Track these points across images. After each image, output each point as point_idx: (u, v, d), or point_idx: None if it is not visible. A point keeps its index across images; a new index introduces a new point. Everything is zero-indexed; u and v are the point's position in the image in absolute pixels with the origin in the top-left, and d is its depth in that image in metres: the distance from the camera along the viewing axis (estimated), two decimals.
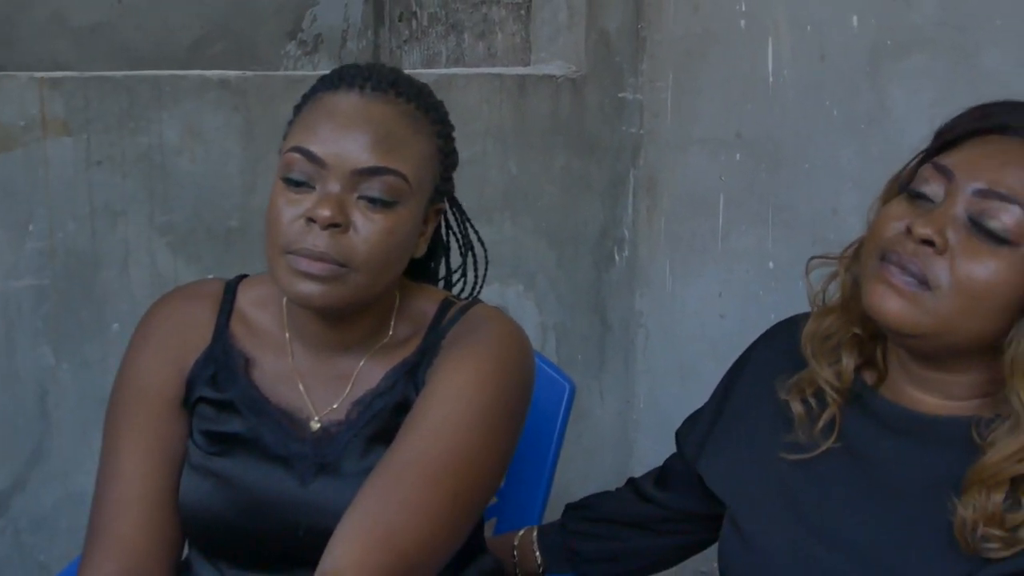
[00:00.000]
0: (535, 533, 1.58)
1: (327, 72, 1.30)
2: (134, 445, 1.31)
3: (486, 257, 1.50)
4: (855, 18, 1.89)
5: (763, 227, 2.12)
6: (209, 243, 1.99)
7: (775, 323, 1.44)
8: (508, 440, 1.28)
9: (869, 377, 1.28)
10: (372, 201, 1.20)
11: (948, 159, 1.17)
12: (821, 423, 1.26)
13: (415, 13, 3.28)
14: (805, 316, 1.33)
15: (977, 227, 1.12)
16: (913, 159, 1.24)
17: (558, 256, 2.33)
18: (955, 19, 1.74)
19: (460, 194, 2.16)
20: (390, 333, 1.33)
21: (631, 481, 1.56)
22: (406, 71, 1.36)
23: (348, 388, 1.32)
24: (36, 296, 1.88)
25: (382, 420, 1.29)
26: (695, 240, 2.27)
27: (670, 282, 2.34)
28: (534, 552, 1.57)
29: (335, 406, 1.31)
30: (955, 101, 1.70)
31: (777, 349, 1.37)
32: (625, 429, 2.48)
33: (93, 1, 3.11)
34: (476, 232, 1.47)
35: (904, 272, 1.14)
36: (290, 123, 1.29)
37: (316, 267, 1.19)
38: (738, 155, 2.15)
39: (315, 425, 1.31)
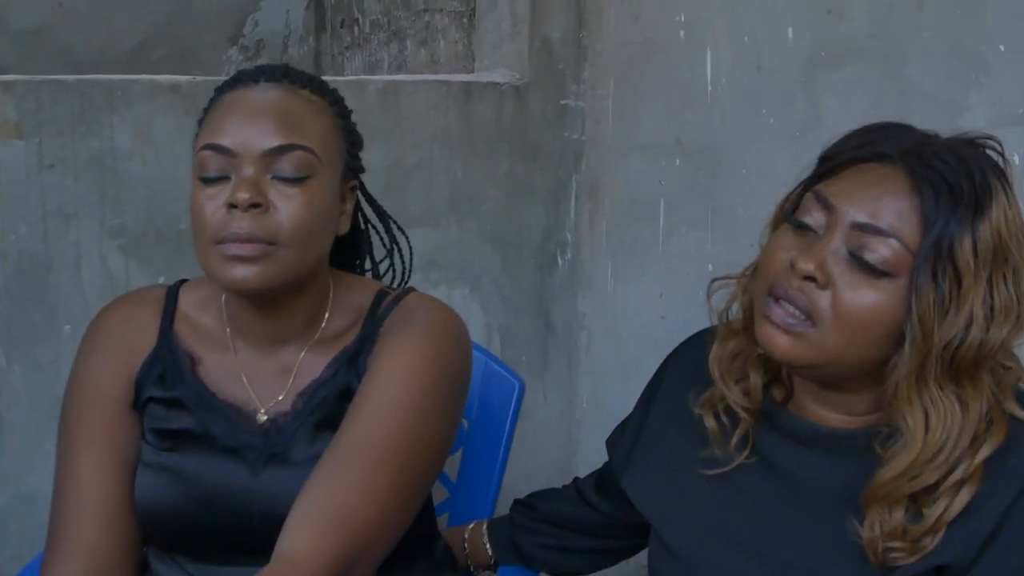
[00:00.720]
0: (485, 526, 1.63)
1: (227, 79, 1.37)
2: (88, 449, 1.35)
3: (409, 244, 1.56)
4: (790, 31, 1.95)
5: (703, 230, 2.17)
6: (160, 246, 2.00)
7: (683, 339, 1.48)
8: (448, 421, 1.35)
9: (777, 393, 1.33)
10: (286, 179, 1.27)
11: (830, 188, 1.21)
12: (735, 439, 1.31)
13: (357, 20, 3.30)
14: (711, 331, 1.37)
15: (856, 260, 1.17)
16: (798, 185, 1.29)
17: (503, 259, 2.38)
18: (885, 33, 1.81)
19: (408, 198, 2.22)
20: (324, 322, 1.39)
21: (575, 481, 1.62)
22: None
23: (291, 380, 1.37)
24: None
25: (326, 408, 1.34)
26: (636, 243, 2.33)
27: (612, 284, 2.39)
28: (484, 544, 1.62)
29: (280, 398, 1.37)
30: (885, 110, 1.79)
31: (689, 365, 1.42)
32: (568, 428, 2.53)
33: (34, 4, 3.10)
34: (395, 222, 1.53)
35: (791, 305, 1.19)
36: (196, 134, 1.35)
37: (246, 248, 1.25)
38: (678, 161, 2.21)
39: (262, 417, 1.36)
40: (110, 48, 3.22)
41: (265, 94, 1.31)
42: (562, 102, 2.40)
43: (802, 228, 1.22)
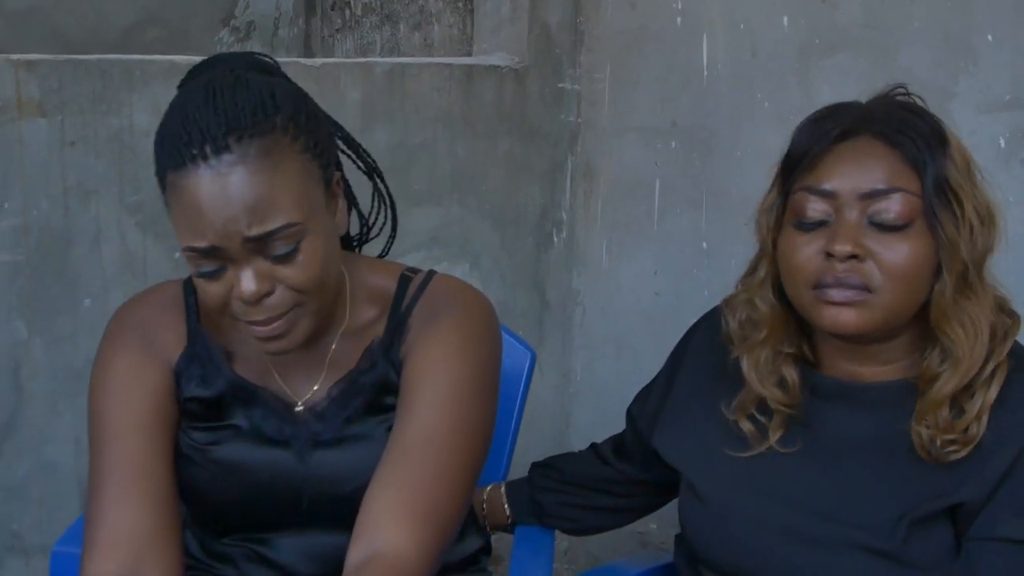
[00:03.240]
0: (503, 488, 1.71)
1: (161, 138, 1.28)
2: (130, 434, 1.32)
3: (387, 188, 1.51)
4: (785, 19, 2.03)
5: (697, 210, 2.26)
6: None
7: (708, 311, 1.55)
8: (494, 401, 1.38)
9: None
10: (279, 257, 1.23)
11: (817, 178, 1.31)
12: (771, 432, 1.38)
13: (348, 2, 3.35)
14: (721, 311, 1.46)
15: (878, 225, 1.28)
16: (770, 195, 1.38)
17: (501, 237, 2.45)
18: (876, 22, 1.90)
19: (411, 177, 2.29)
20: (347, 313, 1.38)
21: (593, 446, 1.69)
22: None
23: (324, 371, 1.38)
24: (10, 272, 1.93)
25: (365, 396, 1.35)
26: (631, 222, 2.40)
27: (607, 261, 2.47)
28: (503, 505, 1.69)
29: (316, 387, 1.38)
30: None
31: (711, 339, 1.49)
32: (562, 401, 2.61)
33: None
34: (372, 160, 1.50)
35: (846, 288, 1.28)
36: (166, 205, 1.27)
37: (276, 325, 1.25)
38: (673, 143, 2.29)
39: (299, 408, 1.37)
40: (101, 29, 3.24)
41: (223, 179, 1.19)
42: (559, 85, 2.47)
43: (808, 226, 1.31)
